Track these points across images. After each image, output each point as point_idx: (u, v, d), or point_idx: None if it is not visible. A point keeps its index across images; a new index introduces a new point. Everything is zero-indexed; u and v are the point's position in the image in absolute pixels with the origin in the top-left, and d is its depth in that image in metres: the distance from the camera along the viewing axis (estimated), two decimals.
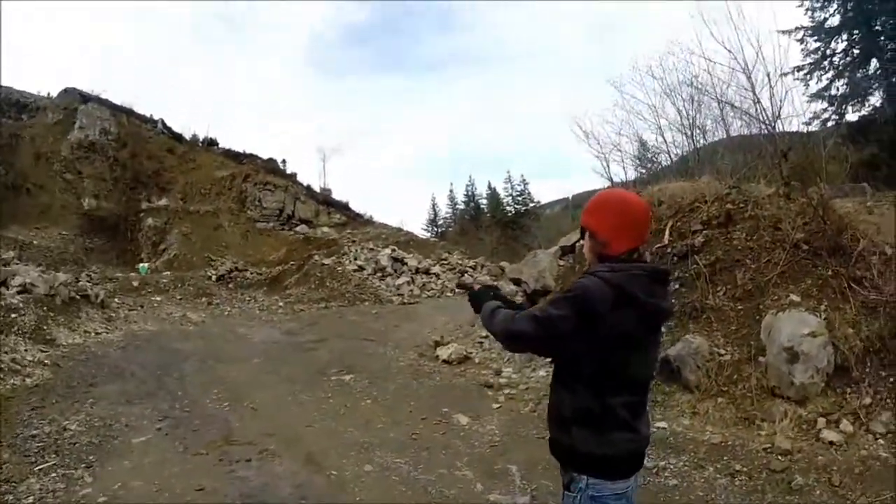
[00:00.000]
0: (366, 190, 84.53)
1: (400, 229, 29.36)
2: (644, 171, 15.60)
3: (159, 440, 5.68)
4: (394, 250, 21.16)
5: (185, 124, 35.91)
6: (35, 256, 17.62)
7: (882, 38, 20.25)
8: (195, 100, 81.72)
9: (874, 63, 20.42)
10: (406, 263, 20.11)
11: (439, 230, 53.32)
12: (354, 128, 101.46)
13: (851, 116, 20.90)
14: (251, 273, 21.75)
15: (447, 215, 57.39)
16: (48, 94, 31.32)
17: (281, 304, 17.07)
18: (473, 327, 9.81)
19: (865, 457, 4.65)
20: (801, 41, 21.04)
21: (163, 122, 31.45)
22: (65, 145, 26.86)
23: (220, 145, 32.70)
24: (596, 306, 1.85)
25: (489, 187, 55.70)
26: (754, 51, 9.66)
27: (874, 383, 5.26)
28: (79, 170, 26.26)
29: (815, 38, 21.06)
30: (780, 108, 9.35)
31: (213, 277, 20.63)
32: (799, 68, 20.75)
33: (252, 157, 31.80)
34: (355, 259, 20.34)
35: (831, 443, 4.85)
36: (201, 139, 32.50)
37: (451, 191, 58.21)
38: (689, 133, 13.34)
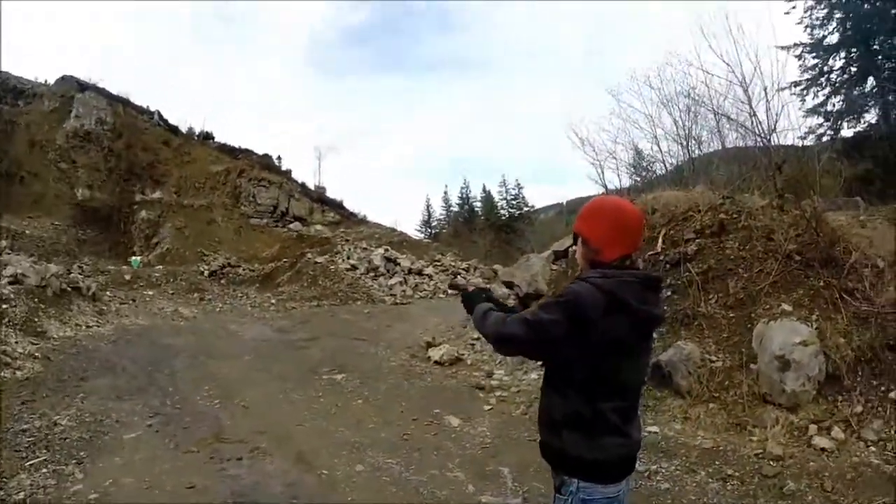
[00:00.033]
0: (362, 189, 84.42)
1: (394, 229, 29.42)
2: (639, 179, 15.69)
3: (150, 437, 5.66)
4: (387, 250, 21.17)
5: (182, 118, 35.72)
6: (27, 246, 17.57)
7: (880, 56, 20.46)
8: (195, 99, 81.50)
9: (871, 81, 20.61)
10: (399, 264, 20.12)
11: (433, 231, 53.36)
12: (354, 128, 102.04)
13: (847, 132, 21.15)
14: (244, 269, 21.72)
15: (441, 217, 57.50)
16: (45, 81, 31.22)
17: (273, 301, 17.05)
18: (465, 329, 9.82)
19: (857, 463, 4.68)
20: (800, 57, 21.24)
21: (159, 113, 31.41)
22: (60, 134, 26.76)
23: (216, 139, 32.62)
24: (588, 312, 1.85)
25: (484, 190, 55.89)
26: (752, 65, 9.80)
27: (865, 392, 5.30)
28: (73, 159, 26.16)
29: (814, 54, 21.24)
30: (776, 121, 9.48)
31: (206, 273, 20.61)
32: (796, 84, 20.92)
33: (247, 153, 31.76)
34: (348, 258, 20.35)
35: (823, 449, 4.87)
36: (197, 132, 32.43)
37: (445, 193, 58.40)
38: (684, 143, 13.47)
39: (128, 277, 18.18)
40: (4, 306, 9.52)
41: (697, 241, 7.52)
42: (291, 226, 28.22)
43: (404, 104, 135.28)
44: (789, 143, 11.62)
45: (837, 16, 20.63)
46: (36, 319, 9.86)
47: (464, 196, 56.70)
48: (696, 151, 13.54)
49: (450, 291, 16.41)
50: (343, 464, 5.02)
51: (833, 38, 20.92)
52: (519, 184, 53.41)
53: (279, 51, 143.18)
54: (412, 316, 13.45)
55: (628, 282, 1.95)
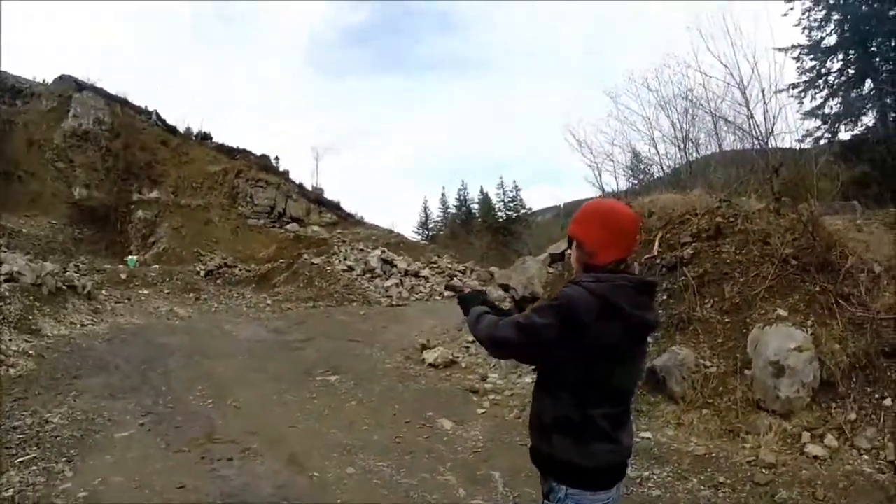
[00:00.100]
0: (360, 190, 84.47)
1: (391, 231, 29.40)
2: (636, 181, 15.70)
3: (142, 436, 5.63)
4: (384, 252, 21.13)
5: (180, 118, 35.73)
6: (23, 244, 17.55)
7: (877, 59, 20.46)
8: (195, 99, 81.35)
9: (868, 83, 20.59)
10: (395, 265, 20.08)
11: (430, 233, 53.35)
12: (354, 128, 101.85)
13: (844, 135, 21.11)
14: (240, 270, 21.67)
15: (438, 218, 57.48)
16: (44, 80, 31.19)
17: (269, 301, 17.01)
18: (460, 332, 9.81)
19: (850, 472, 4.66)
20: (797, 59, 21.21)
21: (157, 113, 31.33)
22: (58, 133, 26.73)
23: (214, 139, 32.58)
24: (580, 315, 1.84)
25: (481, 192, 55.87)
26: (750, 67, 9.81)
27: (859, 399, 5.29)
28: (71, 158, 26.13)
29: (812, 56, 21.22)
30: (774, 124, 9.48)
31: (202, 273, 20.56)
32: (794, 86, 20.90)
33: (245, 153, 31.68)
34: (345, 259, 20.31)
35: (816, 457, 4.86)
36: (195, 133, 32.38)
37: (443, 194, 58.41)
38: (682, 146, 13.48)
39: (124, 276, 18.14)
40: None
41: (694, 244, 7.51)
42: (288, 226, 28.17)
43: (404, 104, 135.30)
44: (787, 145, 11.63)
45: (835, 18, 20.63)
46: (31, 317, 9.83)
47: (461, 198, 56.70)
48: (694, 154, 13.57)
49: (446, 293, 16.40)
50: (334, 466, 5.00)
51: (831, 41, 20.92)
52: (517, 186, 53.41)
53: (279, 51, 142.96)
54: (408, 318, 13.43)
55: (622, 286, 1.94)
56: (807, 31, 21.17)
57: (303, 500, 4.36)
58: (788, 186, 8.33)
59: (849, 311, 5.84)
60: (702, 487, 4.58)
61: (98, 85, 29.77)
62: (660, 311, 6.61)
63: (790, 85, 20.46)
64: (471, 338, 8.68)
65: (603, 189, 14.89)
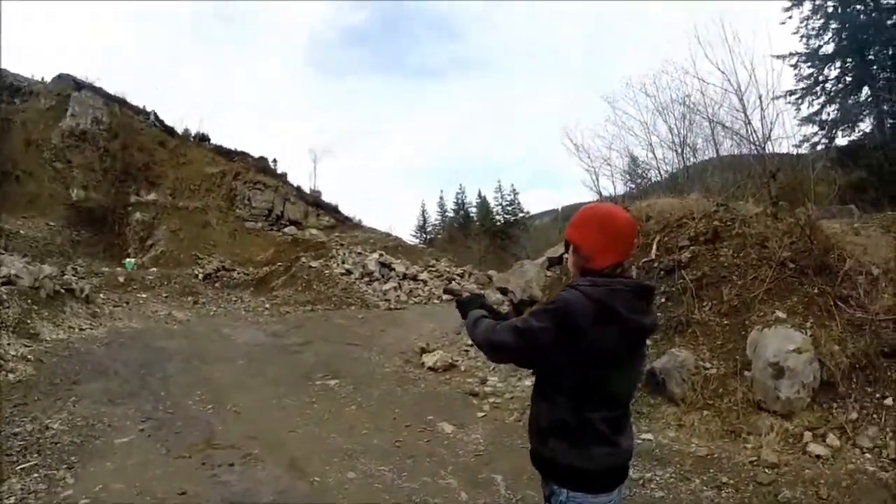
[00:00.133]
0: (359, 192, 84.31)
1: (388, 234, 29.38)
2: (633, 186, 15.74)
3: (142, 442, 5.62)
4: (382, 255, 21.15)
5: (178, 118, 35.68)
6: (21, 247, 17.51)
7: (874, 66, 20.64)
8: (195, 99, 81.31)
9: (866, 90, 20.78)
10: (394, 269, 20.08)
11: (428, 237, 53.33)
12: (354, 128, 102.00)
13: (841, 141, 21.31)
14: (238, 273, 21.64)
15: (436, 222, 57.49)
16: (42, 78, 31.07)
17: (267, 305, 17.00)
18: (459, 335, 9.80)
19: (853, 470, 4.68)
20: (795, 66, 21.42)
21: (155, 114, 31.25)
22: (56, 133, 26.62)
23: (212, 141, 32.53)
24: (577, 319, 1.85)
25: (479, 196, 55.94)
26: (747, 73, 9.87)
27: (860, 399, 5.32)
28: (68, 159, 26.02)
29: (809, 64, 21.41)
30: (771, 130, 9.53)
31: (200, 276, 20.52)
32: (791, 93, 21.11)
33: (243, 155, 31.60)
34: (343, 262, 20.31)
35: (818, 456, 4.88)
36: (193, 134, 32.30)
37: (441, 198, 58.34)
38: (679, 151, 13.54)
39: (122, 280, 18.11)
40: None
41: (692, 248, 7.54)
42: (286, 229, 28.11)
43: (404, 104, 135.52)
44: (784, 151, 11.73)
45: (833, 26, 20.82)
46: (29, 321, 9.79)
47: (459, 201, 56.75)
48: (691, 159, 13.63)
49: (444, 297, 16.38)
50: (335, 470, 4.99)
51: (828, 48, 21.14)
52: (514, 189, 53.55)
53: (279, 51, 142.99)
54: (406, 321, 13.42)
55: (618, 290, 1.94)
56: (805, 40, 21.41)
57: None
58: (785, 191, 8.37)
59: (848, 313, 5.87)
60: (705, 488, 4.59)
61: (97, 84, 29.70)
62: (658, 314, 6.62)
63: (788, 92, 20.69)
64: (470, 341, 8.69)
65: (600, 193, 14.95)
